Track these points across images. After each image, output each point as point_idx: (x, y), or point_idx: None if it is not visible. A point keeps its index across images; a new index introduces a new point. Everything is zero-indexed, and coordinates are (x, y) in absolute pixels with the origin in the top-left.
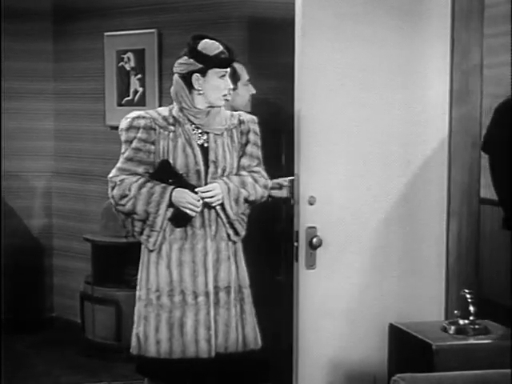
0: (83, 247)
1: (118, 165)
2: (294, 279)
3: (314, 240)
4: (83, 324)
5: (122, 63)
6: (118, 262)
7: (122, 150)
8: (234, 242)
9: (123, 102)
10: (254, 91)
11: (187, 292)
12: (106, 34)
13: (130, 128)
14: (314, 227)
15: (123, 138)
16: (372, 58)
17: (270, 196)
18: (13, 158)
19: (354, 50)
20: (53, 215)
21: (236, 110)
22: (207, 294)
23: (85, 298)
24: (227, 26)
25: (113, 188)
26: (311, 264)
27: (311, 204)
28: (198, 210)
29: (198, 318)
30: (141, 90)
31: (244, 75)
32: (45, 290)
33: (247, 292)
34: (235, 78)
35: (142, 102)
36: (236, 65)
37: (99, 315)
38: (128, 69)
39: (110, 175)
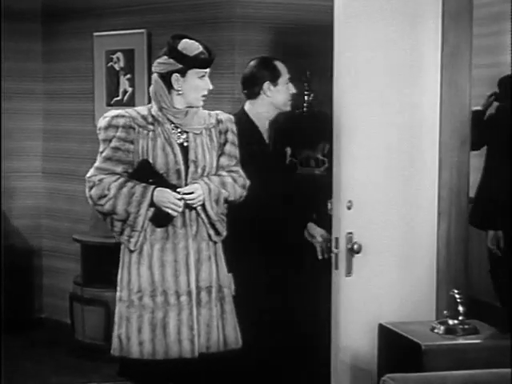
0: (72, 248)
1: (97, 164)
2: (332, 288)
3: (355, 246)
4: (73, 325)
5: (111, 63)
6: (107, 263)
7: (101, 149)
8: (215, 242)
9: (112, 102)
10: (294, 90)
11: (169, 292)
12: (95, 34)
13: (108, 127)
14: (351, 233)
15: (102, 136)
16: (377, 59)
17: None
18: (1, 158)
19: (367, 51)
20: (42, 215)
21: (277, 108)
22: (189, 294)
23: (74, 298)
24: (217, 26)
25: (91, 188)
26: (349, 271)
27: (349, 209)
28: (180, 209)
29: (181, 318)
30: (130, 90)
31: (285, 73)
32: (34, 291)
33: (227, 291)
34: (276, 75)
35: (131, 102)
36: (277, 62)
37: (88, 316)
38: (117, 69)
39: (88, 175)
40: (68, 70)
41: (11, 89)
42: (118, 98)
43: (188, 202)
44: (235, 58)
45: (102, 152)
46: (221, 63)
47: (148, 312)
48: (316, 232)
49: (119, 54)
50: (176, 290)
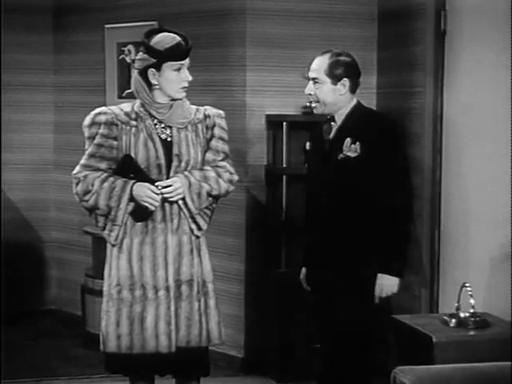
0: (83, 240)
1: (82, 161)
2: None
3: None
4: (84, 317)
5: (122, 55)
6: None
7: (86, 147)
8: (197, 237)
9: (124, 94)
10: None
11: (148, 286)
12: (106, 26)
13: (92, 124)
14: None
15: (86, 134)
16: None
17: None
18: (12, 151)
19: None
20: (52, 208)
21: None
22: (168, 289)
23: (86, 290)
24: (227, 18)
25: (77, 184)
26: None
27: None
28: (157, 204)
29: (159, 313)
30: None
31: None
32: (45, 283)
33: (211, 287)
34: None
35: None
36: None
37: (100, 308)
38: (128, 61)
39: (74, 172)
40: (79, 62)
41: (22, 81)
42: (130, 91)
43: (166, 195)
44: (246, 51)
45: (86, 149)
46: (231, 55)
47: (126, 306)
48: None
49: (130, 47)
50: (154, 284)
